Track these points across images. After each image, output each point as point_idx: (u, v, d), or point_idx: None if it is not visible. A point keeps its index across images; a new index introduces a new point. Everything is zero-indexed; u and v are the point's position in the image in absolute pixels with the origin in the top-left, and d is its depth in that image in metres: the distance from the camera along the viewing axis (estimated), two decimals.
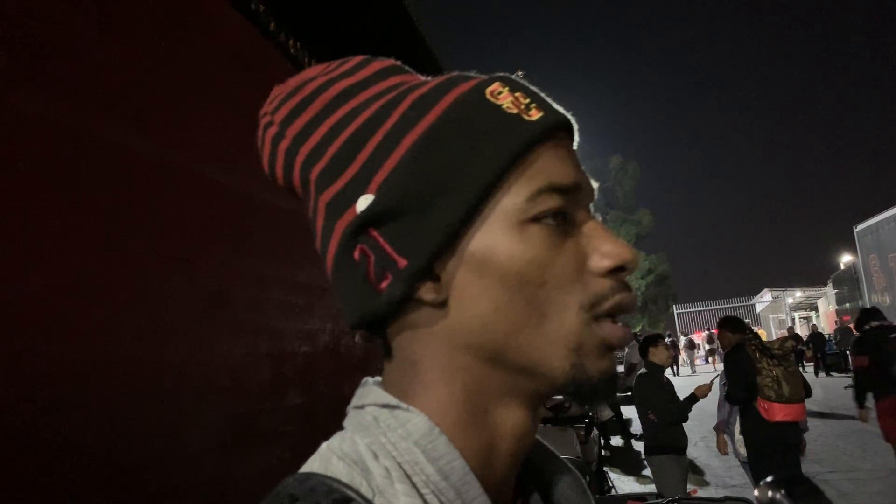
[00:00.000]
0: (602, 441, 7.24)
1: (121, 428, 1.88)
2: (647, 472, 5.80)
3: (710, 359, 26.15)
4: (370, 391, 0.45)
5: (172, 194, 2.27)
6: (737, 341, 4.54)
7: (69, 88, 1.84)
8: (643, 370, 4.44)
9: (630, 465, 7.74)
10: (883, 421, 5.11)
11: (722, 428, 5.02)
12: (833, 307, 25.90)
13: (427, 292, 0.42)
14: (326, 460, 0.41)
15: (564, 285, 0.42)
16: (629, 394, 7.42)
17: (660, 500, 2.48)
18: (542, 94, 0.46)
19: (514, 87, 0.45)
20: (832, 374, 17.69)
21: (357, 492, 0.38)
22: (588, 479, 4.55)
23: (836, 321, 23.02)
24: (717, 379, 4.71)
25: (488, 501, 0.41)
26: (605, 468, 6.22)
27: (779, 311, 32.16)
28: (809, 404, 4.61)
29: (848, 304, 22.78)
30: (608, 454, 7.96)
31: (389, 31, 4.05)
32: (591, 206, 0.47)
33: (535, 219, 0.41)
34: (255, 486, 2.46)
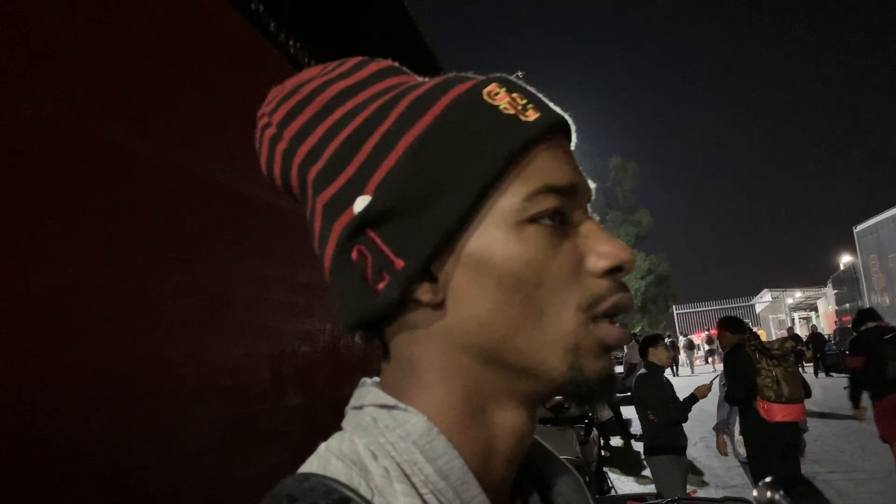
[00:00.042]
0: (602, 441, 7.24)
1: (121, 428, 1.88)
2: (647, 472, 5.80)
3: (709, 359, 26.17)
4: (368, 391, 0.45)
5: (172, 194, 2.27)
6: (736, 342, 4.54)
7: (69, 88, 1.84)
8: (643, 370, 4.45)
9: (630, 465, 7.74)
10: (879, 421, 5.13)
11: (722, 428, 5.02)
12: (833, 307, 25.90)
13: (424, 293, 0.42)
14: (325, 461, 0.41)
15: (561, 286, 0.42)
16: (629, 394, 7.42)
17: (659, 501, 2.48)
18: (540, 95, 0.46)
19: (511, 87, 0.45)
20: (832, 374, 17.69)
21: (356, 492, 0.38)
22: (588, 479, 4.55)
23: (835, 321, 23.03)
24: (717, 379, 4.71)
25: (487, 501, 0.41)
26: (605, 468, 6.22)
27: (778, 312, 32.17)
28: (809, 405, 4.61)
29: (848, 305, 22.78)
30: (608, 454, 7.96)
31: (389, 32, 4.05)
32: (589, 206, 0.47)
33: (533, 219, 0.41)
34: (254, 487, 2.46)
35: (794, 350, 4.35)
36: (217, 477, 2.35)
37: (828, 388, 13.13)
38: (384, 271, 0.42)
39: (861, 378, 5.28)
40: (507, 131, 0.42)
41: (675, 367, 22.82)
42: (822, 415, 10.12)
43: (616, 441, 9.21)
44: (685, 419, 4.20)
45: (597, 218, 0.46)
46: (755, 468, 4.36)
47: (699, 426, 9.14)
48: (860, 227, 19.74)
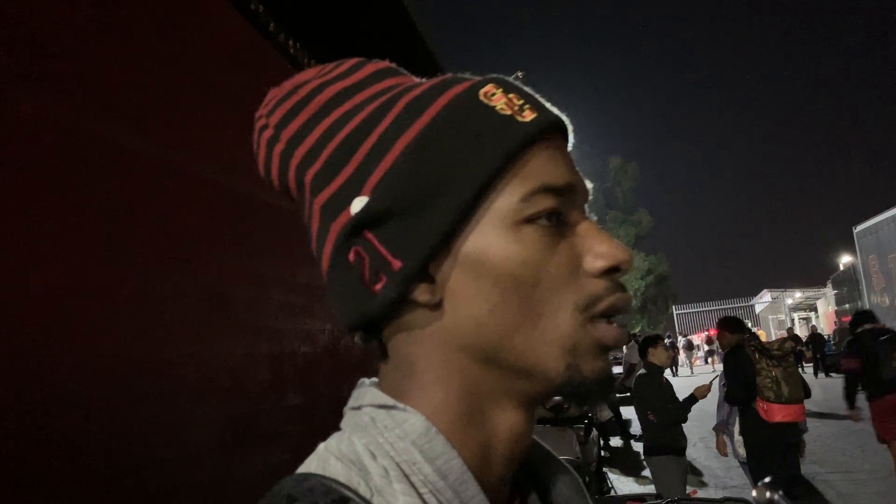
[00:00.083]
0: (601, 442, 7.24)
1: (121, 428, 1.88)
2: (647, 472, 5.80)
3: (709, 359, 26.18)
4: (367, 392, 0.45)
5: (172, 194, 2.27)
6: (736, 342, 4.54)
7: (69, 88, 1.84)
8: (642, 371, 4.45)
9: (629, 465, 7.74)
10: (876, 422, 5.16)
11: (721, 429, 5.02)
12: (832, 308, 25.91)
13: (422, 294, 0.42)
14: (324, 461, 0.41)
15: (559, 286, 0.42)
16: (628, 394, 7.42)
17: (659, 501, 2.48)
18: (536, 96, 0.46)
19: (507, 88, 0.45)
20: (831, 374, 17.69)
21: (355, 492, 0.38)
22: (587, 479, 4.55)
23: (835, 322, 23.03)
24: (717, 380, 4.72)
25: (486, 500, 0.41)
26: (605, 469, 6.23)
27: (778, 312, 32.17)
28: (809, 405, 4.61)
29: (847, 305, 22.78)
30: (607, 455, 7.96)
31: (389, 32, 4.05)
32: (587, 206, 0.47)
33: (529, 219, 0.41)
34: (254, 487, 2.46)
35: (793, 350, 4.35)
36: (217, 477, 2.35)
37: (827, 389, 13.12)
38: (381, 272, 0.42)
39: (856, 379, 5.32)
40: (504, 132, 0.42)
41: (674, 368, 22.82)
42: (821, 415, 10.12)
43: (616, 441, 9.21)
44: (685, 419, 4.20)
45: (594, 218, 0.46)
46: (755, 468, 4.36)
47: (699, 426, 9.15)
48: (860, 228, 19.76)
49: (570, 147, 0.47)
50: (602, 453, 6.64)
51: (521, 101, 0.44)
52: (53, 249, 1.71)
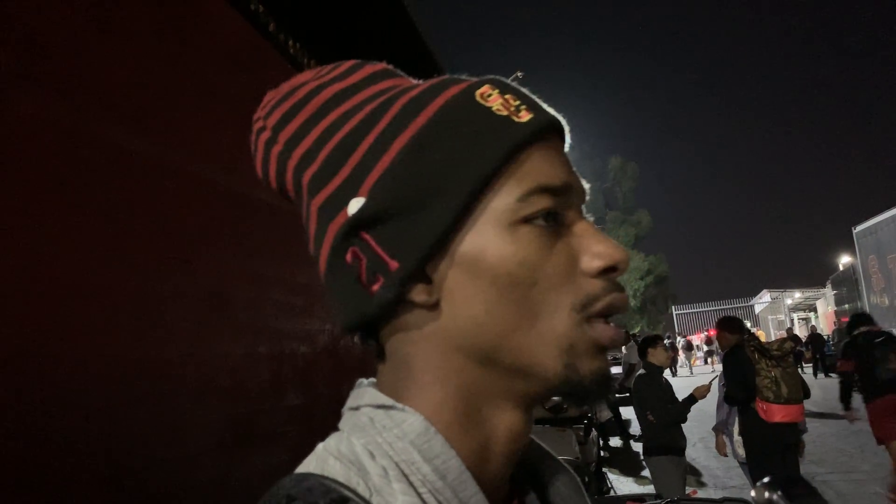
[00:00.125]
0: (601, 442, 7.24)
1: (120, 428, 1.88)
2: (646, 472, 5.81)
3: (708, 360, 26.20)
4: (365, 392, 0.46)
5: (172, 194, 2.27)
6: (735, 342, 4.54)
7: (69, 88, 1.84)
8: (642, 371, 4.45)
9: (629, 465, 7.74)
10: (873, 423, 5.19)
11: (721, 429, 5.03)
12: (832, 308, 25.91)
13: (419, 294, 0.42)
14: (323, 461, 0.41)
15: (556, 286, 0.42)
16: (628, 395, 7.43)
17: (658, 502, 2.48)
18: (533, 97, 0.46)
19: (504, 89, 0.45)
20: (831, 375, 17.69)
21: (354, 491, 0.38)
22: (587, 480, 4.55)
23: (834, 322, 23.05)
24: (716, 380, 4.72)
25: (485, 500, 0.41)
26: (604, 469, 6.23)
27: (778, 312, 32.19)
28: (808, 405, 4.62)
29: (847, 306, 22.79)
30: (607, 455, 7.96)
31: (389, 32, 4.05)
32: (584, 206, 0.47)
33: (526, 220, 0.42)
34: (254, 487, 2.46)
35: (793, 351, 4.36)
36: (217, 477, 2.35)
37: (827, 389, 13.12)
38: (379, 273, 0.42)
39: (851, 381, 5.39)
40: (501, 132, 0.42)
41: (673, 368, 22.83)
42: (821, 415, 10.13)
43: (615, 441, 9.21)
44: (684, 420, 4.21)
45: (591, 218, 0.47)
46: (754, 469, 4.37)
47: (698, 427, 9.15)
48: (859, 228, 19.77)
49: (567, 148, 0.48)
50: (601, 453, 6.64)
51: (518, 102, 0.44)
52: (53, 249, 1.71)
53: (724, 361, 4.65)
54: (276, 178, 0.49)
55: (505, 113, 0.43)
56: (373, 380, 0.48)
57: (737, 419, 4.67)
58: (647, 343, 4.49)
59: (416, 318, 0.43)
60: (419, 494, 0.39)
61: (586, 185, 0.47)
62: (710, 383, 4.43)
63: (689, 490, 4.35)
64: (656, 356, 4.39)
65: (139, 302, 2.03)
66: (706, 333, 27.11)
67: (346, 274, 0.44)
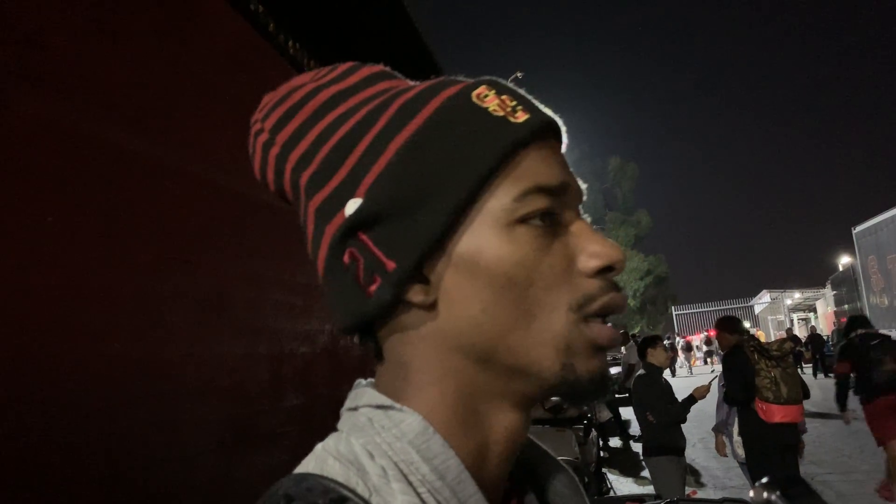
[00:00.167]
0: (601, 442, 7.24)
1: (120, 428, 1.88)
2: (646, 473, 5.80)
3: (707, 360, 26.20)
4: (363, 393, 0.46)
5: (172, 194, 2.27)
6: (735, 342, 4.54)
7: (69, 88, 1.84)
8: (641, 371, 4.45)
9: (628, 466, 7.74)
10: (871, 424, 5.24)
11: (720, 429, 5.03)
12: (832, 308, 25.93)
13: (416, 294, 0.42)
14: (322, 461, 0.41)
15: (553, 286, 0.42)
16: (627, 395, 7.43)
17: (658, 502, 2.48)
18: (529, 97, 0.46)
19: (500, 89, 0.45)
20: (830, 375, 17.67)
21: (353, 491, 0.38)
22: (586, 480, 4.55)
23: (834, 323, 23.06)
24: (716, 380, 4.72)
25: (484, 500, 0.41)
26: (604, 469, 6.23)
27: (777, 313, 32.21)
28: (808, 406, 4.63)
29: (847, 306, 22.81)
30: (607, 455, 7.96)
31: (388, 32, 4.05)
32: (581, 207, 0.47)
33: (523, 220, 0.42)
34: (254, 487, 2.46)
35: (792, 351, 4.36)
36: (217, 477, 2.35)
37: (826, 389, 13.09)
38: (376, 273, 0.42)
39: (847, 383, 5.46)
40: (497, 133, 0.42)
41: (672, 368, 22.82)
42: (820, 416, 10.13)
43: (615, 442, 9.21)
44: (684, 420, 4.21)
45: (589, 219, 0.47)
46: (754, 469, 4.37)
47: (698, 427, 9.15)
48: (859, 229, 19.79)
49: (564, 148, 0.48)
50: (601, 454, 6.64)
51: (514, 103, 0.44)
52: (53, 249, 1.71)
53: (724, 362, 4.65)
54: (274, 179, 0.49)
55: (501, 113, 0.43)
56: (371, 380, 0.48)
57: (736, 419, 4.68)
58: (647, 343, 4.49)
59: (414, 318, 0.43)
60: (418, 494, 0.39)
61: (583, 186, 0.47)
62: (710, 384, 4.43)
63: (688, 490, 4.36)
64: (656, 357, 4.40)
65: (139, 302, 2.03)
66: (706, 333, 27.12)
67: (344, 275, 0.44)
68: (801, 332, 24.34)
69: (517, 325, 0.41)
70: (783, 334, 21.24)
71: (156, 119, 2.23)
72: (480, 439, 0.44)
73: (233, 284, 2.62)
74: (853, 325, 5.63)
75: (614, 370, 10.83)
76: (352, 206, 0.43)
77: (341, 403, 0.48)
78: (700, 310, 36.25)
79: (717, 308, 34.37)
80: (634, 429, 7.72)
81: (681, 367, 25.55)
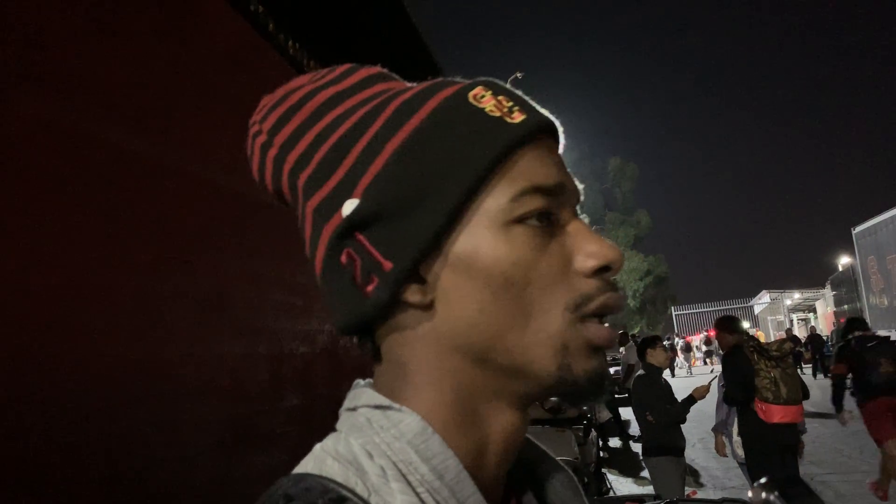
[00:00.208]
0: (600, 442, 7.24)
1: (120, 428, 1.88)
2: (646, 473, 5.80)
3: (707, 360, 26.21)
4: (362, 393, 0.46)
5: (172, 194, 2.27)
6: (735, 342, 4.54)
7: (69, 88, 1.84)
8: (641, 372, 4.45)
9: (628, 466, 7.74)
10: (869, 425, 5.30)
11: (720, 429, 5.03)
12: (831, 309, 25.93)
13: (413, 294, 0.42)
14: (321, 461, 0.41)
15: (549, 286, 0.42)
16: (627, 395, 7.43)
17: (658, 502, 2.48)
18: (526, 98, 0.46)
19: (496, 90, 0.45)
20: (830, 376, 17.67)
21: (352, 491, 0.38)
22: (586, 480, 4.55)
23: (833, 323, 23.07)
24: (716, 380, 4.72)
25: (482, 500, 0.41)
26: (604, 469, 6.22)
27: (777, 313, 32.21)
28: (808, 406, 4.63)
29: (846, 306, 22.81)
30: (606, 455, 7.96)
31: (388, 32, 4.05)
32: (580, 207, 0.47)
33: (519, 220, 0.42)
34: (254, 487, 2.46)
35: (792, 351, 4.36)
36: (217, 477, 2.35)
37: (826, 390, 13.07)
38: (373, 273, 0.42)
39: (843, 384, 5.57)
40: (493, 133, 0.42)
41: (671, 369, 22.83)
42: (820, 416, 10.13)
43: (615, 442, 9.20)
44: (683, 420, 4.21)
45: (587, 219, 0.47)
46: (753, 469, 4.37)
47: (698, 427, 9.15)
48: (859, 229, 19.78)
49: (561, 149, 0.48)
50: (601, 454, 6.64)
51: (511, 103, 0.44)
52: (53, 249, 1.72)
53: (724, 362, 4.65)
54: (273, 181, 0.49)
55: (498, 114, 0.43)
56: (370, 381, 0.48)
57: (736, 420, 4.68)
58: (647, 344, 4.49)
59: (411, 318, 0.43)
60: (417, 494, 0.39)
61: (580, 186, 0.47)
62: (710, 384, 4.43)
63: (688, 491, 4.36)
64: (655, 357, 4.39)
65: (139, 302, 2.03)
66: (706, 333, 27.12)
67: (342, 275, 0.44)
68: (800, 333, 24.34)
69: (514, 326, 0.41)
70: (783, 335, 21.25)
71: (156, 119, 2.23)
72: (479, 439, 0.44)
73: (233, 284, 2.62)
74: (851, 327, 5.69)
75: (614, 370, 10.83)
76: (349, 206, 0.43)
77: (341, 403, 0.48)
78: (700, 310, 36.25)
79: (716, 308, 34.36)
80: (634, 429, 7.72)
81: (680, 368, 25.55)
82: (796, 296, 31.22)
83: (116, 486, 1.84)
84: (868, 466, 6.56)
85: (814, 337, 19.26)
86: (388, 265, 0.42)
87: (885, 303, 18.00)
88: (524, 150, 0.43)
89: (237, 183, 2.65)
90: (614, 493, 5.63)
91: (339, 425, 0.45)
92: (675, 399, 4.30)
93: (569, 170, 0.47)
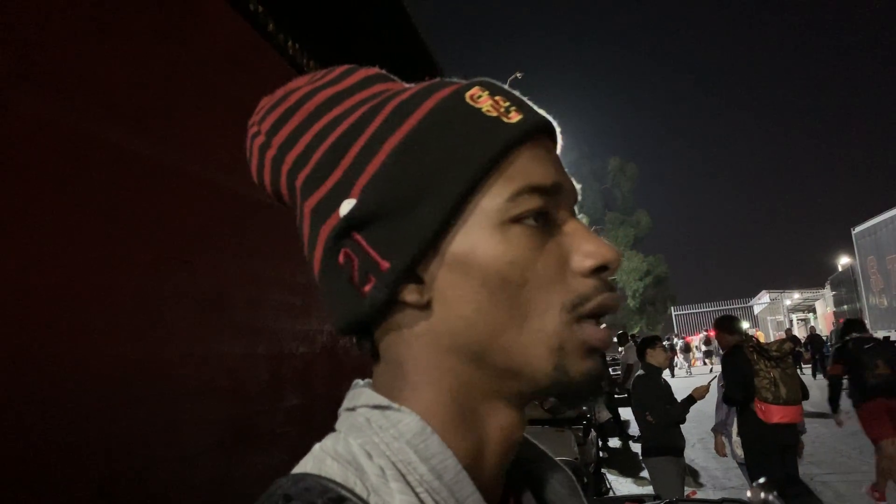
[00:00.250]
0: (600, 442, 7.24)
1: (120, 428, 1.88)
2: (645, 473, 5.81)
3: (706, 360, 26.21)
4: (361, 393, 0.46)
5: (172, 194, 2.27)
6: (735, 342, 4.55)
7: (69, 88, 1.84)
8: (641, 372, 4.45)
9: (628, 466, 7.74)
10: (865, 425, 5.34)
11: (720, 429, 5.03)
12: (831, 309, 25.93)
13: (410, 294, 0.42)
14: (320, 461, 0.41)
15: (546, 285, 0.42)
16: (627, 395, 7.43)
17: (657, 502, 2.48)
18: (523, 98, 0.46)
19: (493, 90, 0.45)
20: None
21: (352, 491, 0.38)
22: (586, 480, 4.55)
23: (833, 323, 23.05)
24: (715, 381, 4.73)
25: (481, 499, 0.41)
26: (603, 470, 6.22)
27: (777, 313, 32.21)
28: (807, 406, 4.63)
29: (846, 307, 22.82)
30: (606, 456, 7.96)
31: (388, 32, 4.05)
32: (578, 207, 0.47)
33: (516, 219, 0.42)
34: (253, 487, 2.46)
35: (792, 352, 4.36)
36: (217, 477, 2.35)
37: (825, 390, 13.11)
38: (370, 273, 0.42)
39: (840, 385, 5.62)
40: (490, 133, 0.42)
41: (671, 369, 22.82)
42: (820, 416, 10.12)
43: (614, 442, 9.20)
44: (683, 420, 4.21)
45: (586, 220, 0.47)
46: (753, 469, 4.36)
47: (697, 427, 9.15)
48: (858, 229, 19.80)
49: (559, 149, 0.48)
50: (600, 454, 6.64)
51: (508, 104, 0.44)
52: (53, 249, 1.72)
53: (724, 362, 4.65)
54: (271, 182, 0.49)
55: (494, 114, 0.43)
56: (369, 381, 0.48)
57: (735, 420, 4.68)
58: (646, 344, 4.49)
59: (408, 318, 0.44)
60: (416, 494, 0.39)
61: (578, 186, 0.47)
62: (709, 384, 4.43)
63: (687, 491, 4.36)
64: (655, 357, 4.39)
65: (139, 302, 2.03)
66: (705, 333, 27.13)
67: (339, 275, 0.44)
68: (800, 333, 24.35)
69: (510, 325, 0.41)
70: (782, 335, 21.26)
71: (156, 119, 2.23)
72: (477, 438, 0.44)
73: (233, 284, 2.63)
74: (848, 328, 5.75)
75: (613, 371, 10.83)
76: (346, 206, 0.43)
77: (340, 404, 0.48)
78: (699, 310, 36.24)
79: (716, 308, 34.33)
80: (634, 429, 7.73)
81: (680, 368, 25.55)
82: (796, 296, 31.22)
83: (116, 486, 1.84)
84: (868, 467, 6.56)
85: (813, 337, 19.26)
86: (385, 265, 0.42)
87: (885, 303, 18.01)
88: (521, 149, 0.43)
89: (237, 183, 2.65)
90: (614, 493, 5.63)
91: (338, 425, 0.45)
92: (675, 399, 4.30)
93: (568, 170, 0.47)
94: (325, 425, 0.48)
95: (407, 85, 0.49)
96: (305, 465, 0.42)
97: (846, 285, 22.95)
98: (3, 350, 1.53)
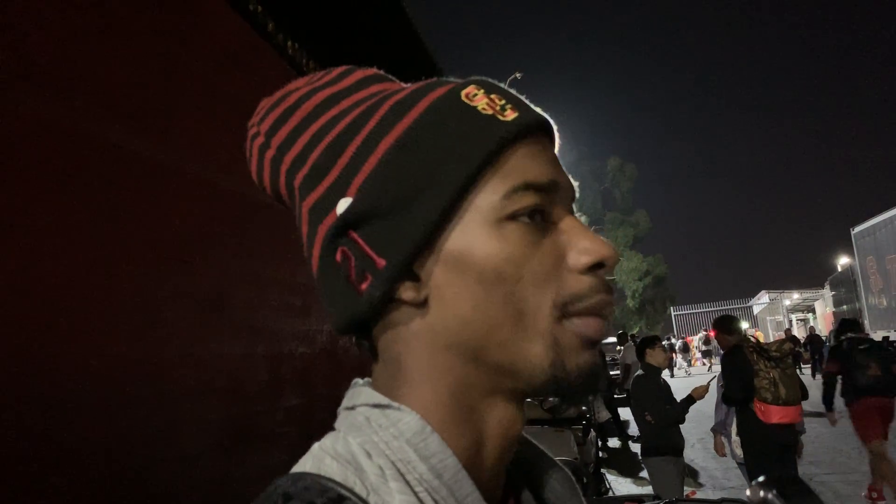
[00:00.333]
0: (599, 442, 7.25)
1: (119, 428, 1.88)
2: (645, 473, 5.81)
3: (705, 360, 26.22)
4: (360, 392, 0.46)
5: (172, 194, 2.27)
6: (735, 342, 4.55)
7: (69, 88, 1.84)
8: (640, 372, 4.45)
9: (627, 466, 7.74)
10: (855, 424, 5.43)
11: (719, 429, 5.03)
12: (830, 309, 25.95)
13: (407, 292, 0.42)
14: (319, 460, 0.41)
15: (541, 282, 0.42)
16: (626, 395, 7.43)
17: (657, 502, 2.48)
18: (520, 97, 0.46)
19: (489, 89, 0.45)
20: None
21: (351, 490, 0.38)
22: (585, 480, 4.55)
23: (832, 323, 23.05)
24: (715, 381, 4.73)
25: (481, 499, 0.41)
26: (603, 470, 6.23)
27: (776, 313, 32.23)
28: (807, 406, 4.63)
29: (845, 307, 22.83)
30: (605, 456, 7.97)
31: (387, 33, 4.05)
32: (576, 206, 0.47)
33: (512, 216, 0.42)
34: (253, 487, 2.46)
35: (792, 352, 4.36)
36: (216, 477, 2.35)
37: None
38: (367, 271, 0.42)
39: (834, 383, 5.66)
40: (486, 131, 0.42)
41: (670, 369, 22.83)
42: (819, 416, 10.13)
43: (614, 442, 9.21)
44: (682, 420, 4.21)
45: (582, 218, 0.47)
46: (752, 469, 4.37)
47: (697, 427, 9.15)
48: (858, 229, 19.81)
49: (557, 148, 0.48)
50: (600, 454, 6.64)
51: (503, 102, 0.44)
52: (53, 249, 1.72)
53: (723, 362, 4.65)
54: (271, 182, 0.50)
55: (490, 112, 0.43)
56: (368, 379, 0.48)
57: (735, 420, 4.68)
58: (646, 344, 4.49)
59: (405, 316, 0.44)
60: (416, 493, 0.39)
61: (575, 184, 0.48)
62: (708, 384, 4.44)
63: (687, 491, 4.36)
64: (654, 357, 4.39)
65: (139, 302, 2.03)
66: (704, 333, 27.13)
67: (337, 274, 0.44)
68: (799, 333, 24.37)
69: (507, 322, 0.41)
70: (782, 335, 21.27)
71: (156, 119, 2.24)
72: (476, 436, 0.44)
73: (233, 284, 2.63)
74: (844, 329, 5.81)
75: (613, 371, 10.84)
76: (343, 204, 0.43)
77: (340, 403, 0.48)
78: (699, 310, 36.24)
79: (716, 308, 34.32)
80: (633, 429, 7.73)
81: (679, 368, 25.56)
82: (795, 296, 31.24)
83: (116, 486, 1.84)
84: (867, 467, 6.57)
85: (813, 337, 19.26)
86: (381, 263, 0.42)
87: (884, 303, 18.02)
88: (517, 147, 0.43)
89: (237, 183, 2.65)
90: (613, 493, 5.63)
91: (337, 424, 0.45)
92: (674, 399, 4.30)
93: (567, 170, 0.47)
94: (325, 425, 0.48)
95: (404, 85, 0.50)
96: (305, 465, 0.42)
97: (845, 285, 22.97)
98: (3, 350, 1.53)
